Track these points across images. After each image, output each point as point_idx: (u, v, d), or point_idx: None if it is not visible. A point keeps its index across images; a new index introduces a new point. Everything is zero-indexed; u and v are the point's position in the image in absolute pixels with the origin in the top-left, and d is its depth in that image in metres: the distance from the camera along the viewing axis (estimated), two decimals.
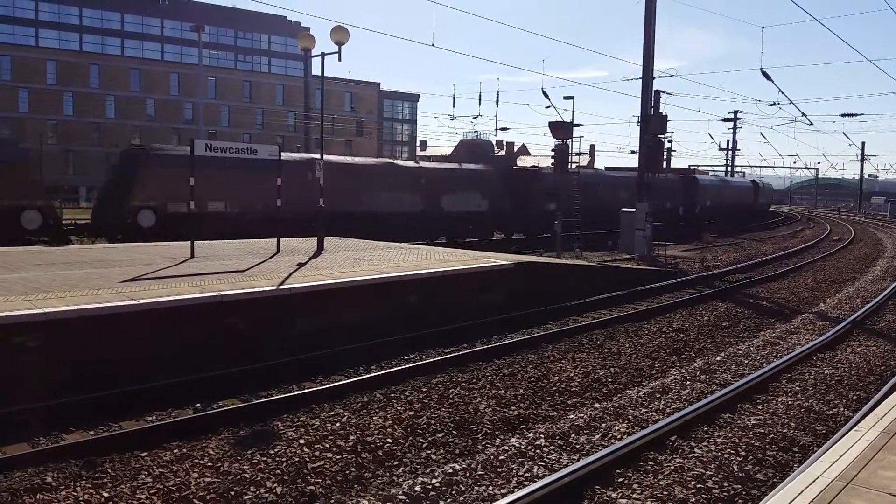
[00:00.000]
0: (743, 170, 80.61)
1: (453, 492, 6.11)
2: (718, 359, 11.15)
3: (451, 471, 6.52)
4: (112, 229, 22.92)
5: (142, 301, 9.26)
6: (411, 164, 34.91)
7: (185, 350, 9.51)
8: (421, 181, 30.78)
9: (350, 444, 7.13)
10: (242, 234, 20.03)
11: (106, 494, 5.90)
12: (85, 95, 70.98)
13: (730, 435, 7.64)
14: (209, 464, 6.58)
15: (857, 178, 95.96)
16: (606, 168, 51.63)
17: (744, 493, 6.27)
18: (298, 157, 28.28)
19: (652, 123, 23.86)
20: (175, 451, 6.89)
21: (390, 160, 40.14)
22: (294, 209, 20.65)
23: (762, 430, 7.79)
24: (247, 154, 15.07)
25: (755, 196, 60.26)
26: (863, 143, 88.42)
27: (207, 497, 5.91)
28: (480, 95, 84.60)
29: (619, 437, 7.51)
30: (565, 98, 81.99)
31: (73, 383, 8.27)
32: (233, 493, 6.01)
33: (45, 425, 7.36)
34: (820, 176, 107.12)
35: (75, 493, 5.91)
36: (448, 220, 31.27)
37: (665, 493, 6.17)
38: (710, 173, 69.13)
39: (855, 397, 9.26)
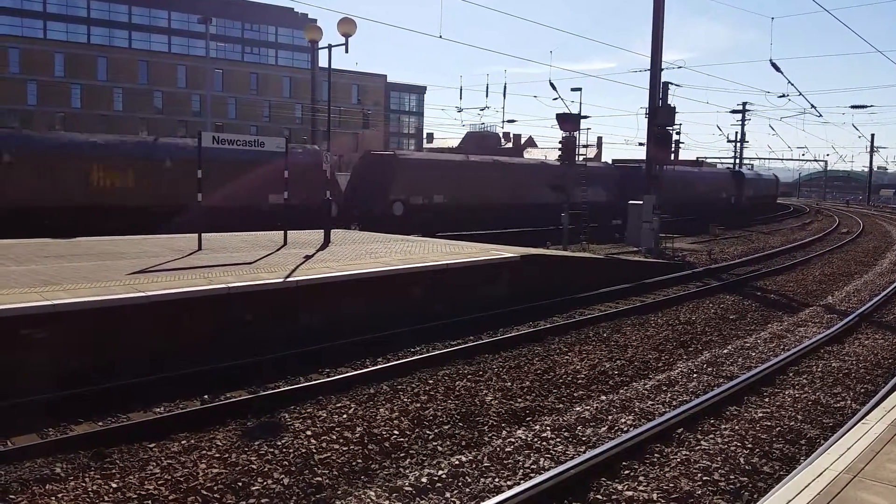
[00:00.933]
0: (751, 162, 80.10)
1: (459, 483, 6.13)
2: (725, 351, 11.13)
3: (457, 462, 6.54)
4: (372, 219, 25.96)
5: (149, 293, 9.30)
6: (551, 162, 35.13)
7: (192, 342, 9.55)
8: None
9: (357, 435, 7.15)
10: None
11: (114, 485, 5.94)
12: (93, 88, 71.13)
13: (736, 428, 7.64)
14: (217, 455, 6.62)
15: (867, 170, 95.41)
16: (614, 161, 51.33)
17: (750, 485, 6.27)
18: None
19: (660, 115, 23.76)
20: (183, 442, 6.93)
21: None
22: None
23: (769, 423, 7.78)
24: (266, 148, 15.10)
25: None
26: (872, 136, 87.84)
27: (215, 488, 5.95)
28: (488, 87, 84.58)
29: (625, 429, 7.52)
30: (573, 90, 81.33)
31: (82, 375, 8.32)
32: (240, 484, 6.04)
33: (53, 416, 7.41)
34: (829, 168, 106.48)
35: (84, 484, 5.95)
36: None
37: (671, 485, 6.17)
38: (717, 165, 68.80)
39: (862, 390, 9.23)
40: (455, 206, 29.61)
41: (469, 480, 6.20)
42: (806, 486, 4.55)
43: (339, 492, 6.02)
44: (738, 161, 72.04)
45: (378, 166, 28.78)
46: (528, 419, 7.88)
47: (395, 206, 27.72)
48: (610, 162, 48.61)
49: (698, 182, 46.55)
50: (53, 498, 5.70)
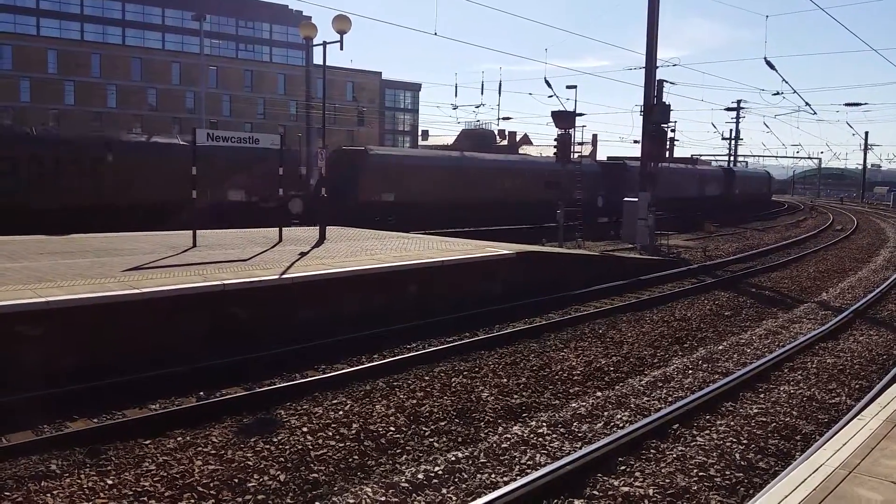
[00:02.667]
0: (746, 159, 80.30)
1: (456, 479, 6.14)
2: (720, 348, 11.16)
3: (453, 458, 6.54)
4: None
5: (144, 290, 9.27)
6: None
7: (187, 339, 9.53)
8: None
9: (353, 432, 7.15)
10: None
11: (110, 482, 5.92)
12: (86, 85, 70.78)
13: (732, 423, 7.66)
14: (213, 452, 6.60)
15: (861, 167, 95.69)
16: (609, 158, 51.41)
17: (746, 481, 6.29)
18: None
19: (655, 113, 23.77)
20: (179, 439, 6.92)
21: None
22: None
23: (764, 419, 7.81)
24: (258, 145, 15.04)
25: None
26: (866, 133, 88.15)
27: (211, 484, 5.93)
28: (483, 84, 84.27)
29: (621, 425, 7.53)
30: (568, 87, 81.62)
31: (77, 372, 8.30)
32: (236, 480, 6.03)
33: (48, 413, 7.38)
34: (823, 165, 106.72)
35: (79, 481, 5.93)
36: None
37: (667, 480, 6.18)
38: (712, 163, 68.94)
39: (857, 386, 9.27)
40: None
41: (465, 476, 6.20)
42: (802, 482, 4.56)
43: (336, 488, 6.02)
44: (732, 158, 72.19)
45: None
46: (524, 415, 7.89)
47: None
48: (605, 159, 48.68)
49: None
50: (49, 495, 5.68)
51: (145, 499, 5.67)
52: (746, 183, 55.38)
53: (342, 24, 15.74)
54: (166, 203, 20.23)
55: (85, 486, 5.85)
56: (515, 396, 8.46)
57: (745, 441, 7.16)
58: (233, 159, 21.42)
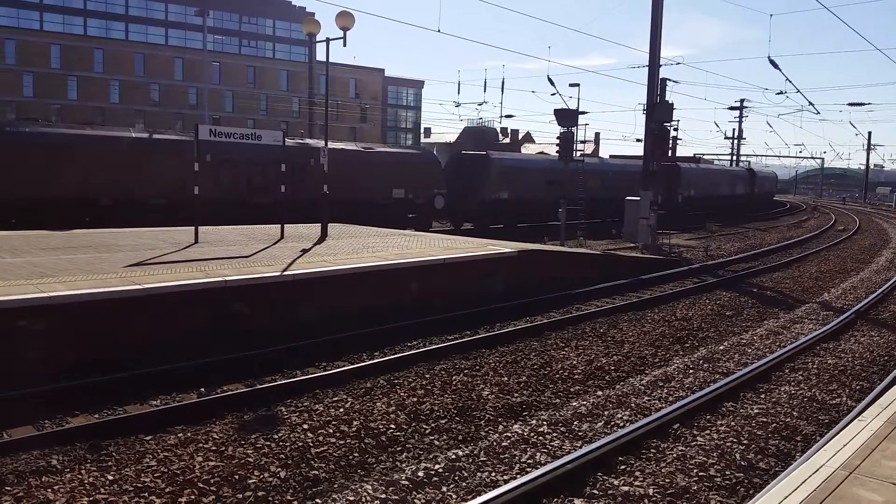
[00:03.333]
0: (748, 159, 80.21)
1: (456, 477, 6.14)
2: (721, 348, 11.15)
3: (453, 457, 6.55)
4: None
5: (146, 286, 9.28)
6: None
7: (189, 335, 9.54)
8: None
9: (353, 429, 7.15)
10: None
11: (111, 477, 5.94)
12: (89, 80, 70.81)
13: (732, 423, 7.66)
14: (213, 448, 6.61)
15: (863, 167, 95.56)
16: (611, 156, 51.46)
17: (746, 481, 6.29)
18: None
19: (658, 111, 23.74)
20: (179, 435, 6.93)
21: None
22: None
23: (765, 419, 7.80)
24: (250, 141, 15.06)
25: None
26: (869, 133, 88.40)
27: (212, 481, 5.94)
28: (486, 82, 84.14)
29: (621, 424, 7.53)
30: (571, 85, 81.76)
31: (78, 367, 8.31)
32: (237, 477, 6.04)
33: (50, 409, 7.40)
34: (826, 165, 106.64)
35: (80, 476, 5.94)
36: None
37: (667, 480, 6.19)
38: (714, 162, 68.95)
39: (858, 387, 9.26)
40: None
41: (465, 475, 6.20)
42: (802, 482, 4.56)
43: (336, 485, 6.03)
44: (735, 158, 72.12)
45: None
46: (524, 414, 7.89)
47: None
48: (607, 157, 48.68)
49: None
50: (50, 490, 5.69)
51: (146, 494, 5.68)
52: (763, 183, 59.21)
53: (345, 20, 15.74)
54: (351, 199, 24.49)
55: (86, 481, 5.86)
56: (516, 395, 8.47)
57: (745, 441, 7.16)
58: (395, 162, 28.12)
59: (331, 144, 17.94)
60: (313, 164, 23.33)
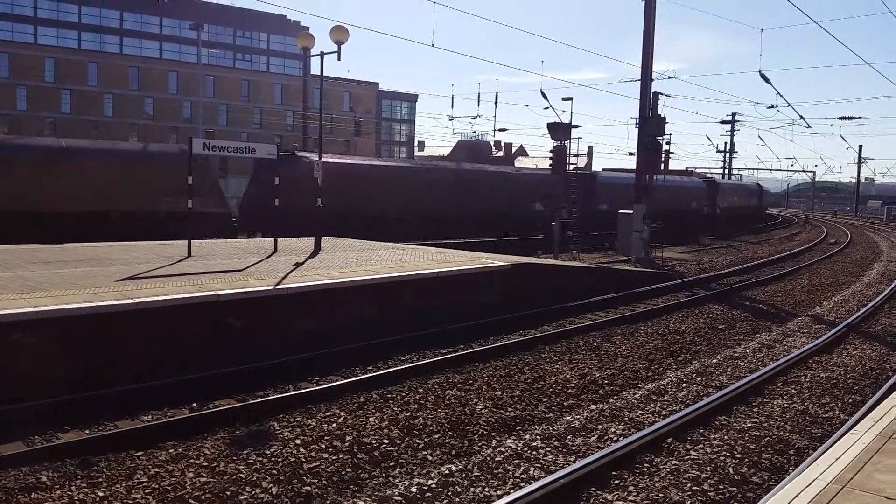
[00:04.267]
0: (740, 172, 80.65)
1: (449, 493, 6.11)
2: (714, 361, 11.16)
3: (447, 472, 6.52)
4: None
5: (138, 300, 9.25)
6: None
7: (181, 349, 9.50)
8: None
9: (346, 444, 7.12)
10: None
11: (101, 494, 5.89)
12: (83, 93, 70.78)
13: (725, 437, 7.65)
14: (205, 464, 6.57)
15: (854, 181, 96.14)
16: (604, 169, 51.75)
17: (739, 495, 6.28)
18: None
19: (650, 125, 23.88)
20: (171, 450, 6.88)
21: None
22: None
23: (758, 433, 7.81)
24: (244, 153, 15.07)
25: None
26: (860, 147, 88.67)
27: (203, 497, 5.90)
28: (479, 96, 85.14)
29: (615, 438, 7.52)
30: (564, 99, 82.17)
31: (69, 382, 8.25)
32: (228, 493, 6.00)
33: (40, 424, 7.34)
34: (817, 179, 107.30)
35: (70, 493, 5.89)
36: None
37: (661, 495, 6.17)
38: (706, 175, 69.28)
39: (851, 400, 9.28)
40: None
41: (459, 490, 6.18)
42: (795, 497, 4.56)
43: (328, 501, 5.99)
44: (727, 171, 72.52)
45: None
46: (518, 428, 7.87)
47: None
48: (601, 170, 48.91)
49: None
50: None
51: None
52: (766, 197, 68.50)
53: (340, 34, 15.80)
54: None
55: (76, 498, 5.81)
56: (509, 409, 8.45)
57: (738, 455, 7.16)
58: (534, 182, 34.12)
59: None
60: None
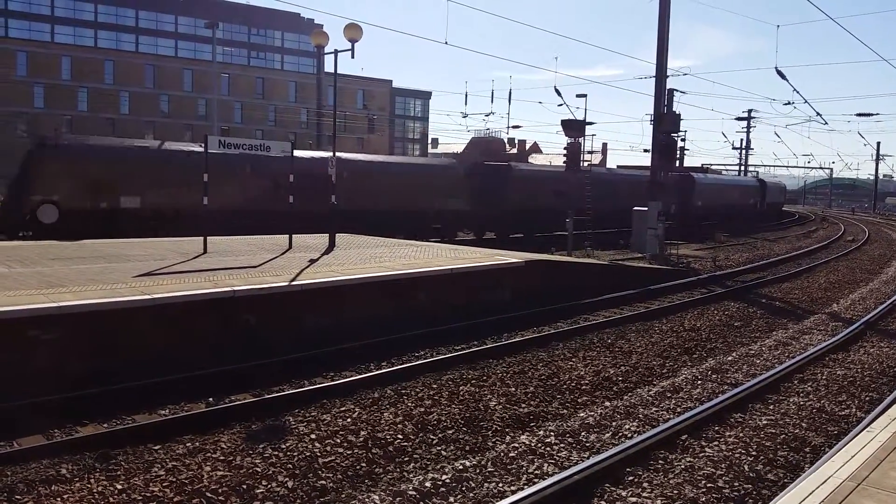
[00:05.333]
0: (756, 169, 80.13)
1: (463, 488, 6.14)
2: (730, 358, 11.11)
3: (461, 467, 6.55)
4: None
5: (155, 296, 9.34)
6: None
7: (197, 344, 9.58)
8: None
9: (361, 439, 7.16)
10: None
11: (119, 486, 5.96)
12: (99, 91, 71.38)
13: (741, 435, 7.63)
14: (221, 457, 6.63)
15: (872, 178, 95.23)
16: (619, 166, 51.65)
17: (754, 492, 6.26)
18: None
19: (665, 122, 23.79)
20: (188, 444, 6.95)
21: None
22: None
23: (773, 431, 7.77)
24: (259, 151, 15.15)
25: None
26: (878, 143, 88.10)
27: (220, 490, 5.96)
28: (493, 93, 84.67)
29: (629, 435, 7.51)
30: (578, 96, 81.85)
31: (88, 377, 8.36)
32: (244, 486, 6.06)
33: (59, 418, 7.44)
34: (834, 176, 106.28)
35: (89, 485, 5.97)
36: None
37: (675, 492, 6.17)
38: (722, 172, 68.89)
39: (867, 398, 9.21)
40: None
41: (473, 485, 6.20)
42: (810, 494, 4.55)
43: (343, 495, 6.04)
44: (743, 168, 71.98)
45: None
46: (532, 424, 7.88)
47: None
48: (615, 168, 48.78)
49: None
50: (59, 499, 5.73)
51: (154, 503, 5.71)
52: (787, 193, 72.05)
53: (353, 32, 15.85)
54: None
55: (94, 490, 5.89)
56: (523, 405, 8.46)
57: (754, 452, 7.13)
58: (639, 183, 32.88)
59: None
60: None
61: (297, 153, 17.15)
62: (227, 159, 20.07)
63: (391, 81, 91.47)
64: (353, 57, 16.44)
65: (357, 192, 24.69)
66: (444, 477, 6.30)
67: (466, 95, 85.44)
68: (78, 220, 19.47)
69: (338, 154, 17.34)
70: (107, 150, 21.84)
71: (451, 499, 5.94)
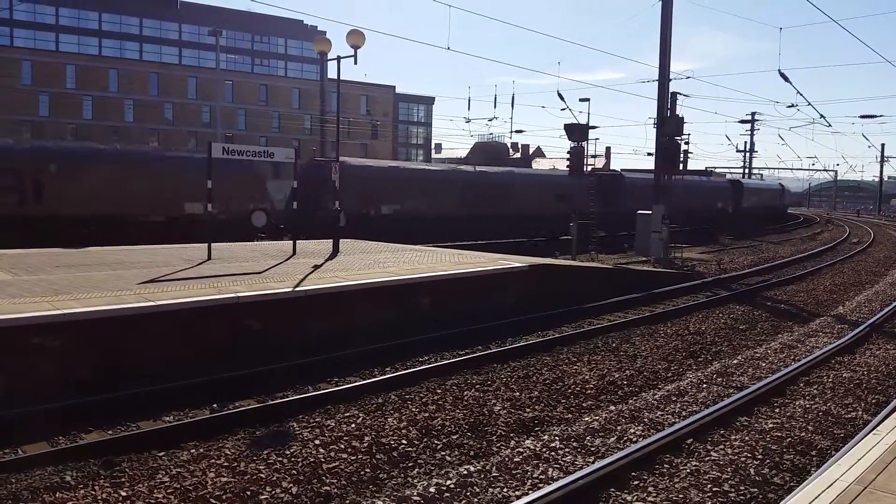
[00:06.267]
0: (760, 171, 79.97)
1: (468, 493, 6.12)
2: (735, 362, 11.08)
3: (465, 472, 6.53)
4: None
5: (160, 302, 9.35)
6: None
7: (202, 351, 9.59)
8: None
9: (365, 444, 7.15)
10: None
11: (124, 493, 5.96)
12: (104, 99, 71.71)
13: (746, 438, 7.59)
14: (226, 464, 6.63)
15: (877, 180, 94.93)
16: (623, 170, 51.55)
17: (760, 496, 6.23)
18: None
19: (668, 125, 23.77)
20: (192, 450, 6.95)
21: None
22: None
23: (779, 434, 7.74)
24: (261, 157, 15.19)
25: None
26: (882, 145, 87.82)
27: (224, 497, 5.96)
28: (496, 98, 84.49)
29: (634, 439, 7.49)
30: (581, 100, 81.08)
31: (92, 383, 8.37)
32: (249, 492, 6.05)
33: (63, 424, 7.45)
34: (839, 178, 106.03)
35: (94, 492, 5.98)
36: None
37: (681, 496, 6.14)
38: (726, 175, 68.74)
39: (874, 401, 9.17)
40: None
41: (477, 490, 6.18)
42: (816, 497, 4.53)
43: (348, 501, 6.02)
44: (747, 171, 71.89)
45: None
46: (536, 429, 7.86)
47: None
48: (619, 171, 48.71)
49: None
50: None
51: None
52: (789, 196, 72.52)
53: (356, 38, 15.88)
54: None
55: (99, 497, 5.89)
56: (528, 410, 8.44)
57: (759, 456, 7.10)
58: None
59: None
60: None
61: (481, 168, 27.47)
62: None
63: (394, 87, 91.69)
64: (356, 63, 16.47)
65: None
66: (448, 482, 6.29)
67: (469, 100, 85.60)
68: (356, 223, 22.01)
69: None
70: (370, 169, 28.71)
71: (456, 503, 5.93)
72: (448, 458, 6.98)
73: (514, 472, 6.59)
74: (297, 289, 10.94)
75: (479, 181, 32.27)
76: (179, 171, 22.58)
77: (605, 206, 30.87)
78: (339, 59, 16.91)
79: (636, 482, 6.42)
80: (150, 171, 22.48)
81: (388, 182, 28.44)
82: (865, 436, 6.34)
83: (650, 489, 6.29)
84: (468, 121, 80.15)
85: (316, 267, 13.61)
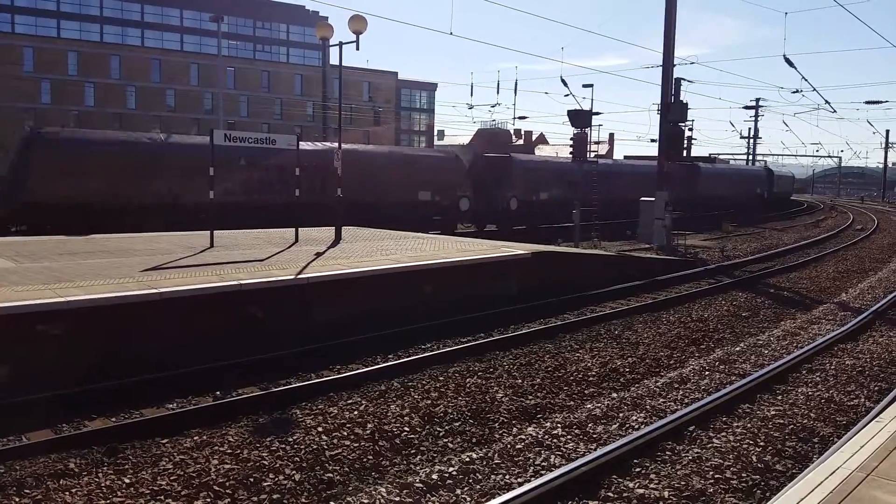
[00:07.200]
0: (765, 158, 79.75)
1: (470, 480, 6.14)
2: (738, 349, 11.07)
3: (467, 459, 6.55)
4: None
5: (162, 290, 9.36)
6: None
7: (205, 338, 9.61)
8: None
9: (368, 432, 7.17)
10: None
11: (127, 480, 5.99)
12: (106, 86, 71.59)
13: (749, 425, 7.60)
14: (229, 451, 6.65)
15: (881, 166, 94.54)
16: (626, 157, 51.41)
17: (762, 483, 6.24)
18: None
19: (672, 111, 23.65)
20: (195, 438, 6.97)
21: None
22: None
23: (782, 421, 7.74)
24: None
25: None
26: (887, 131, 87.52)
27: (227, 483, 5.98)
28: (499, 84, 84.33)
29: (636, 426, 7.50)
30: (584, 86, 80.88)
31: (95, 371, 8.39)
32: (252, 479, 6.07)
33: (68, 412, 7.47)
34: (843, 164, 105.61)
35: (97, 479, 6.00)
36: None
37: (683, 482, 6.15)
38: (730, 162, 68.51)
39: (877, 388, 9.16)
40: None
41: (480, 477, 6.20)
42: (818, 485, 4.53)
43: (350, 488, 6.04)
44: (751, 157, 71.60)
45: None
46: (538, 416, 7.87)
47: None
48: (622, 158, 48.57)
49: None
50: (67, 493, 5.75)
51: (162, 497, 5.73)
52: (793, 182, 73.02)
53: (358, 24, 15.78)
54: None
55: (103, 484, 5.91)
56: (530, 397, 8.45)
57: (762, 443, 7.10)
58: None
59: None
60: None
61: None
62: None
63: (396, 73, 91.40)
64: (357, 49, 16.38)
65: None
66: (450, 469, 6.30)
67: (472, 86, 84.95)
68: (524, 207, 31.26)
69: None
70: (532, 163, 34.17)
71: (458, 491, 5.94)
72: (450, 445, 7.00)
73: (516, 459, 6.61)
74: (300, 276, 10.94)
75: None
76: (413, 164, 28.88)
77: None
78: (340, 44, 16.81)
79: (638, 469, 6.44)
80: (400, 165, 28.08)
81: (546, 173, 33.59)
82: (868, 423, 6.34)
83: (652, 476, 6.30)
84: (471, 107, 79.56)
85: (318, 254, 13.60)
